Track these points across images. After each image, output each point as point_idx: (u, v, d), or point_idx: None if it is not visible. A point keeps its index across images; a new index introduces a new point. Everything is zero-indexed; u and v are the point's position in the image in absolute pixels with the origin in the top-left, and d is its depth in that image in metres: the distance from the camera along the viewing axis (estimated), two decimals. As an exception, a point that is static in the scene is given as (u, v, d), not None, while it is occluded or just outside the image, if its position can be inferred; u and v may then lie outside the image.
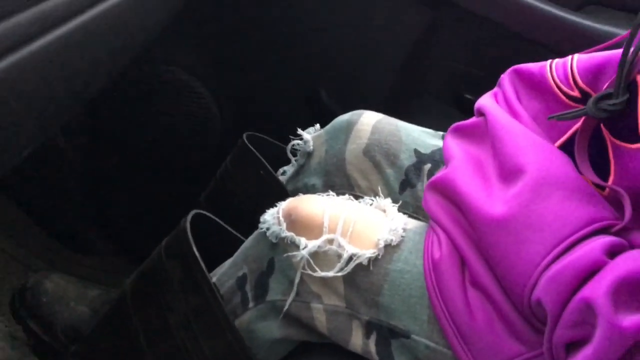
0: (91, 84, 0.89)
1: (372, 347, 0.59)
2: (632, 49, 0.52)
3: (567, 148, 0.58)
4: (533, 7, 0.89)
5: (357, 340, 0.60)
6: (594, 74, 0.59)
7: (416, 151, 0.76)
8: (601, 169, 0.54)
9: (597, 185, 0.53)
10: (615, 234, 0.50)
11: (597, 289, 0.44)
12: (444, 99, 0.95)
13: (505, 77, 0.67)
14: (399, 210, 0.67)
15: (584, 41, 0.81)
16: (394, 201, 0.68)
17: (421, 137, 0.78)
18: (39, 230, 1.17)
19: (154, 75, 1.14)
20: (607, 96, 0.54)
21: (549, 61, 0.64)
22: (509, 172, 0.54)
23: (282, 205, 0.64)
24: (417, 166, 0.75)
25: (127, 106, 1.16)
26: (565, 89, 0.61)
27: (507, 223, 0.51)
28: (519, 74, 0.66)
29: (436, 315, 0.56)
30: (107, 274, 1.18)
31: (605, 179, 0.53)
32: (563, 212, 0.50)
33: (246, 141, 0.82)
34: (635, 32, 0.54)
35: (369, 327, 0.59)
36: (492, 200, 0.53)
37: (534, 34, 0.90)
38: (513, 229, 0.50)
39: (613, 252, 0.47)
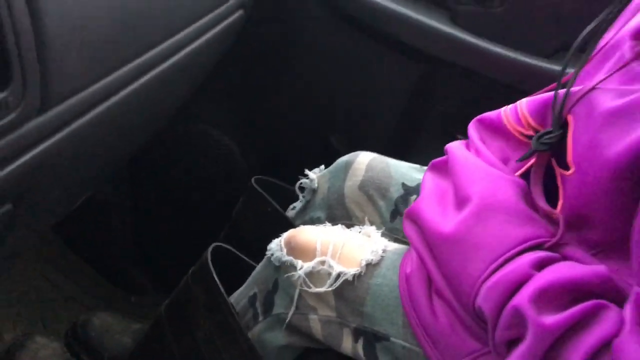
0: (132, 145, 1.06)
1: (360, 350, 0.71)
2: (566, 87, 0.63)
3: (527, 178, 0.68)
4: (509, 58, 1.02)
5: (347, 344, 0.71)
6: (542, 112, 0.70)
7: (404, 184, 0.88)
8: (555, 195, 0.64)
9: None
10: (551, 249, 0.60)
11: (523, 297, 0.54)
12: (439, 139, 1.08)
13: (471, 126, 0.79)
14: (390, 235, 0.78)
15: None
16: (387, 228, 0.80)
17: (408, 172, 0.90)
18: (90, 269, 1.33)
19: (186, 133, 1.30)
20: (548, 132, 0.65)
21: (503, 108, 0.75)
22: (460, 200, 0.66)
23: (284, 235, 0.77)
24: (405, 197, 0.87)
25: (163, 159, 1.32)
26: (520, 128, 0.72)
27: (455, 242, 0.62)
28: (481, 121, 0.77)
29: (409, 320, 0.67)
30: (148, 309, 1.31)
31: (557, 204, 0.64)
32: (501, 233, 0.60)
33: (254, 184, 0.96)
34: (563, 71, 0.65)
35: (357, 333, 0.71)
36: (445, 222, 0.64)
37: (511, 80, 1.02)
38: (460, 247, 0.61)
39: (542, 265, 0.56)
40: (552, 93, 0.70)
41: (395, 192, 0.88)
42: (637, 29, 0.60)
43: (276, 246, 0.76)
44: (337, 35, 1.16)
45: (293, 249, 0.74)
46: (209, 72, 1.15)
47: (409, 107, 1.15)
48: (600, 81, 0.61)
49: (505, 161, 0.72)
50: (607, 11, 0.62)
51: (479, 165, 0.69)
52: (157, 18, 0.77)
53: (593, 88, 0.61)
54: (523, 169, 0.71)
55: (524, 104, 0.72)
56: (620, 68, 0.60)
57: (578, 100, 0.61)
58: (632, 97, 0.53)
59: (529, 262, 0.56)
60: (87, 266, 1.34)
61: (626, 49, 0.61)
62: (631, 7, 0.67)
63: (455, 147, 0.74)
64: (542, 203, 0.64)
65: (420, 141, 1.18)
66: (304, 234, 0.75)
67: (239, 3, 1.01)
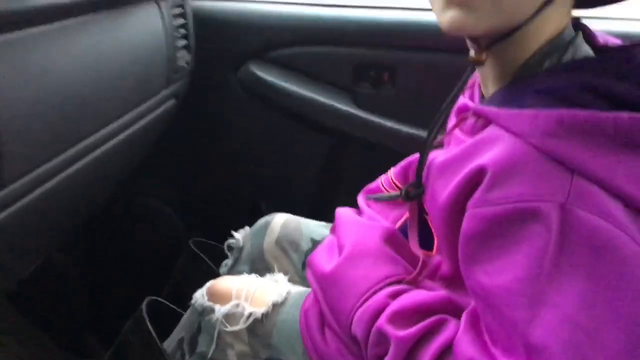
0: (79, 217, 1.20)
1: None
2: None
3: (405, 227, 0.85)
4: (400, 131, 1.23)
5: None
6: (405, 175, 0.88)
7: (312, 239, 1.04)
8: (432, 239, 0.79)
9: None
10: (410, 283, 0.76)
11: (382, 319, 0.69)
12: (350, 200, 1.25)
13: (360, 196, 0.95)
14: (303, 283, 0.93)
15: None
16: (299, 277, 0.95)
17: (317, 229, 1.06)
18: (44, 335, 1.43)
19: (129, 204, 1.46)
20: (411, 186, 0.82)
21: (381, 176, 0.94)
22: (339, 248, 0.82)
23: (206, 285, 0.92)
24: (313, 250, 1.03)
25: (111, 228, 1.46)
26: (390, 190, 0.90)
27: (334, 281, 0.77)
28: (366, 191, 0.95)
29: (307, 348, 0.82)
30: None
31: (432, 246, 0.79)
32: (368, 272, 0.75)
33: (192, 246, 1.11)
34: (430, 136, 0.82)
35: None
36: (327, 266, 0.81)
37: (402, 149, 1.21)
38: (338, 285, 0.77)
39: (398, 295, 0.71)
40: (413, 157, 0.88)
41: (305, 245, 1.04)
42: (458, 108, 0.78)
43: (199, 295, 0.90)
44: (258, 114, 1.36)
45: (213, 295, 0.89)
46: (147, 151, 1.31)
47: (322, 173, 1.34)
48: (438, 144, 0.79)
49: (387, 218, 0.90)
50: (453, 93, 0.76)
51: (356, 220, 0.86)
52: (95, 108, 0.92)
53: (435, 149, 0.78)
54: (402, 220, 0.88)
55: (392, 171, 0.90)
56: (448, 134, 0.78)
57: (430, 161, 0.79)
58: (452, 153, 0.70)
59: (387, 294, 0.72)
60: (39, 330, 1.43)
61: (452, 120, 0.80)
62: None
63: (341, 211, 0.92)
64: (414, 246, 0.81)
65: (335, 202, 1.36)
66: (223, 282, 0.91)
67: (171, 93, 1.19)
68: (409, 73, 1.22)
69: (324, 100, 1.27)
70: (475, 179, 0.59)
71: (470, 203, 0.59)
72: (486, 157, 0.58)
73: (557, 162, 0.54)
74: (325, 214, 1.12)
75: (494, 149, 0.59)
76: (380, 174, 0.98)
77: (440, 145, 0.79)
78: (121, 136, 1.04)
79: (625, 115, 0.53)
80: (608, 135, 0.54)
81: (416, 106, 1.22)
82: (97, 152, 0.98)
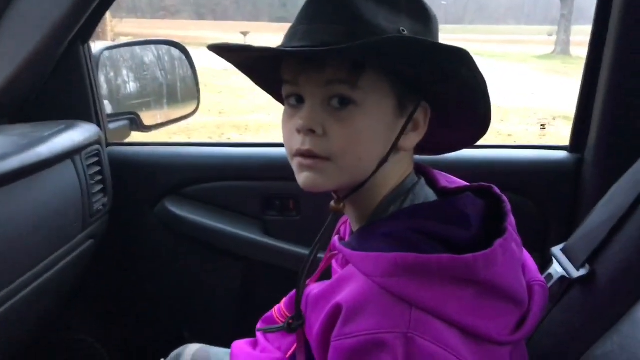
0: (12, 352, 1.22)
1: None
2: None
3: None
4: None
5: None
6: (291, 304, 0.97)
7: None
8: None
9: None
10: None
11: None
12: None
13: (258, 324, 1.01)
14: None
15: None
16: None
17: (225, 358, 1.12)
18: None
19: (56, 339, 1.48)
20: (292, 318, 0.83)
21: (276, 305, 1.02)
22: None
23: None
24: None
25: None
26: (283, 320, 0.97)
27: None
28: (263, 320, 1.00)
29: None
30: None
31: None
32: None
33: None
34: (303, 273, 0.91)
35: None
36: None
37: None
38: None
39: None
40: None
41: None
42: (332, 243, 0.88)
43: None
44: (176, 247, 1.45)
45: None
46: (71, 290, 1.36)
47: (238, 299, 1.42)
48: (314, 281, 0.88)
49: (280, 347, 0.97)
50: (318, 237, 0.79)
51: (248, 354, 0.94)
52: (7, 262, 0.99)
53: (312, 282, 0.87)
54: (292, 349, 0.95)
55: (283, 301, 0.99)
56: (320, 270, 0.88)
57: (306, 294, 0.88)
58: (322, 288, 0.77)
59: None
60: None
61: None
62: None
63: (236, 345, 0.98)
64: None
65: (253, 324, 1.43)
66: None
67: (88, 235, 1.26)
68: (310, 200, 1.34)
69: (233, 231, 1.37)
70: (335, 314, 0.68)
71: (332, 336, 0.68)
72: (343, 294, 0.68)
73: (397, 298, 0.64)
74: (244, 337, 1.19)
75: (350, 285, 0.69)
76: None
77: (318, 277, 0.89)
78: (37, 282, 1.10)
79: (445, 256, 0.64)
80: (434, 273, 0.64)
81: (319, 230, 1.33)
82: (13, 301, 1.04)
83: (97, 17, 1.30)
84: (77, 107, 1.34)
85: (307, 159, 0.69)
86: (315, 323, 0.73)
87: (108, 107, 1.53)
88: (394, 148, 0.71)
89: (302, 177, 0.71)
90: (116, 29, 14.17)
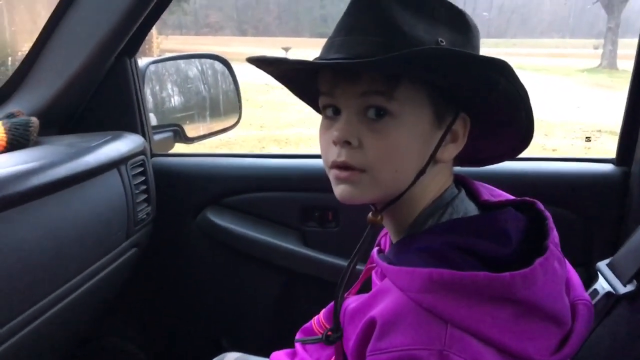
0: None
1: None
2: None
3: None
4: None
5: None
6: (329, 315, 0.97)
7: None
8: None
9: None
10: None
11: None
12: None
13: (298, 335, 1.01)
14: None
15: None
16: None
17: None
18: None
19: (98, 343, 1.52)
20: (330, 330, 0.83)
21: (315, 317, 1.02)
22: None
23: None
24: None
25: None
26: (322, 331, 0.97)
27: None
28: (302, 330, 1.00)
29: None
30: None
31: None
32: None
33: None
34: (341, 287, 0.92)
35: None
36: None
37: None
38: None
39: None
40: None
41: (258, 382, 1.11)
42: (372, 256, 0.89)
43: None
44: (217, 257, 1.47)
45: None
46: (113, 296, 1.39)
47: (277, 309, 1.43)
48: (352, 295, 0.88)
49: (319, 358, 0.97)
50: (357, 248, 0.80)
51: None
52: (54, 269, 1.03)
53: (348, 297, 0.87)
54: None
55: (322, 312, 0.99)
56: (360, 282, 0.88)
57: (344, 307, 0.88)
58: (359, 301, 0.78)
59: None
60: None
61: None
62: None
63: (275, 356, 0.99)
64: None
65: (292, 334, 1.43)
66: None
67: (132, 243, 1.29)
68: (349, 211, 1.34)
69: (274, 241, 1.38)
70: (370, 328, 0.68)
71: (367, 350, 0.68)
72: (378, 309, 0.68)
73: (433, 314, 0.63)
74: (282, 347, 1.19)
75: (385, 300, 0.68)
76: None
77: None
78: (82, 289, 1.13)
79: (481, 274, 0.63)
80: (471, 291, 0.63)
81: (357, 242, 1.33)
82: (58, 306, 1.07)
83: (143, 32, 1.34)
84: (123, 118, 1.38)
85: (343, 171, 0.69)
86: (351, 336, 0.72)
87: (153, 119, 1.57)
88: (432, 160, 0.71)
89: (338, 190, 0.71)
90: (162, 45, 14.55)
